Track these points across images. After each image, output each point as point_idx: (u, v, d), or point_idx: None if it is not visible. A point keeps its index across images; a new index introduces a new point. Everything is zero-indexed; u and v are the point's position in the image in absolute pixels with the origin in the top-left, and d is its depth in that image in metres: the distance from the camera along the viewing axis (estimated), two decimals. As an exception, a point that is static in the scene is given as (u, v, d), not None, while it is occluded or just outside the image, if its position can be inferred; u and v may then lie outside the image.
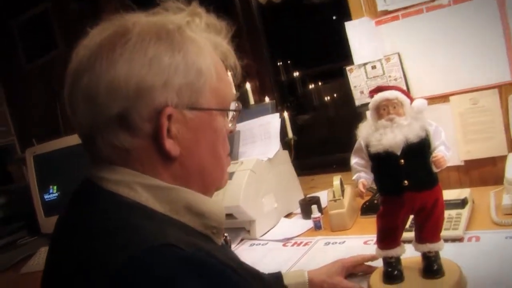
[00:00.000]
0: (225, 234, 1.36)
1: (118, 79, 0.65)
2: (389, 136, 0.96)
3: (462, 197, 1.35)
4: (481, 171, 1.62)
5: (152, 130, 0.67)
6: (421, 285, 1.00)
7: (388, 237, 1.05)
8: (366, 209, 1.58)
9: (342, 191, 1.55)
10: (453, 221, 1.26)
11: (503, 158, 1.51)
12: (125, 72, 0.65)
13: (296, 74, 2.76)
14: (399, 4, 1.64)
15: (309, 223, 1.61)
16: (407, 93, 1.02)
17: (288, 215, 1.79)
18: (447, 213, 1.12)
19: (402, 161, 0.97)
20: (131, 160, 0.69)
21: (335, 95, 2.70)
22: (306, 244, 1.49)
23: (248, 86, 2.09)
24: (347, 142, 1.14)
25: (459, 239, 1.22)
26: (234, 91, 1.10)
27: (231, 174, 1.60)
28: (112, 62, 0.66)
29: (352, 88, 1.81)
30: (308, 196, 1.80)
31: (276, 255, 1.47)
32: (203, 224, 0.71)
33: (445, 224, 1.16)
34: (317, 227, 1.57)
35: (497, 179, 1.50)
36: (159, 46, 0.68)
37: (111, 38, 0.68)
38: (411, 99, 1.01)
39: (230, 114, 0.81)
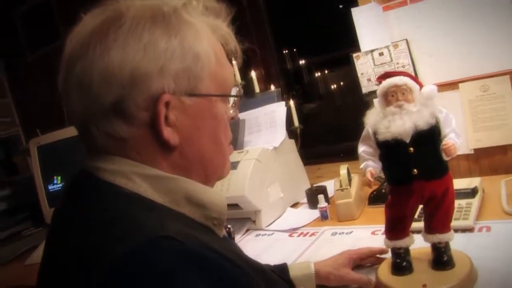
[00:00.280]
0: (228, 226, 1.35)
1: (112, 66, 0.63)
2: (398, 123, 0.94)
3: (472, 186, 1.33)
4: (492, 160, 1.59)
5: (149, 118, 0.65)
6: (430, 277, 0.98)
7: (396, 227, 1.03)
8: (374, 199, 1.56)
9: (349, 180, 1.53)
10: (463, 211, 1.24)
11: (514, 147, 1.48)
12: (119, 58, 0.63)
13: (302, 62, 2.73)
14: (407, -12, 1.61)
15: (316, 213, 1.60)
16: (416, 79, 0.99)
17: (294, 205, 1.78)
18: (457, 202, 1.09)
19: (411, 149, 0.94)
20: (129, 150, 0.67)
21: (341, 83, 2.67)
22: (312, 234, 1.47)
23: (253, 74, 2.07)
24: (354, 130, 1.12)
25: (470, 229, 1.19)
26: (235, 76, 1.07)
27: (236, 164, 1.58)
28: (105, 49, 0.64)
29: (359, 75, 1.79)
30: (315, 185, 1.78)
31: (282, 246, 1.45)
32: (203, 215, 0.69)
33: (455, 214, 1.14)
34: (324, 217, 1.55)
35: (508, 168, 1.48)
36: (154, 31, 0.65)
37: (105, 23, 0.66)
38: (420, 85, 0.98)
39: (231, 100, 0.78)
